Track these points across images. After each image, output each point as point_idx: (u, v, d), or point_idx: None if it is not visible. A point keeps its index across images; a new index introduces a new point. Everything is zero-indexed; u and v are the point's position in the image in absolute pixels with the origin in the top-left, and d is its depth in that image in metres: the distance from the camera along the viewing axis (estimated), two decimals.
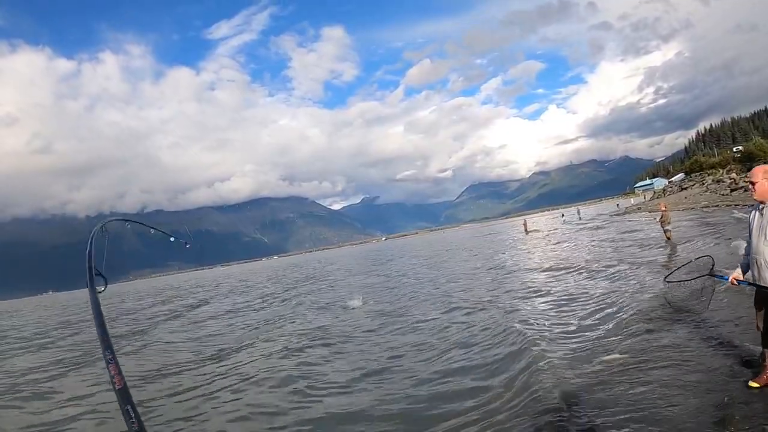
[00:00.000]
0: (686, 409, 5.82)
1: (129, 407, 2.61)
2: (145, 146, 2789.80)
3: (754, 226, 5.71)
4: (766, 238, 5.48)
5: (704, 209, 44.48)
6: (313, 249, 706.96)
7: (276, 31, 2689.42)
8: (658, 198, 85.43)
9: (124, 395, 2.67)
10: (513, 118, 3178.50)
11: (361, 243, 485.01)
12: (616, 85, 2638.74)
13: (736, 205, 40.24)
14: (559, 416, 6.36)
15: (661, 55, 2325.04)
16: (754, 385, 5.84)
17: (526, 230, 66.14)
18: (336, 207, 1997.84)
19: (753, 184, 5.72)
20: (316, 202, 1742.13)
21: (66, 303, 75.25)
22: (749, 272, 5.84)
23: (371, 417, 7.86)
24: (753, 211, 5.83)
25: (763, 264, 5.51)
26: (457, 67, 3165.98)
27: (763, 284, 5.54)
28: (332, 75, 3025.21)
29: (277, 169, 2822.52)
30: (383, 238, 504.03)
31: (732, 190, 52.68)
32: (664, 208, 25.30)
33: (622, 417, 5.96)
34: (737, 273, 6.01)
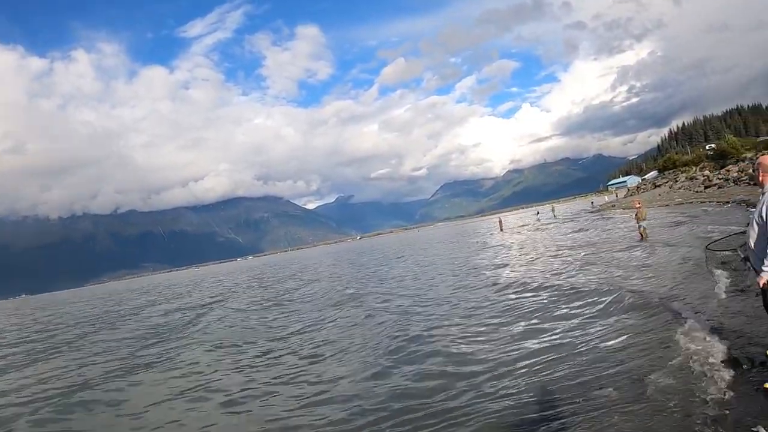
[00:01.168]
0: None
1: None
2: (119, 146, 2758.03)
3: None
4: (758, 223, 5.77)
5: (678, 206, 44.15)
6: (288, 249, 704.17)
7: (250, 29, 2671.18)
8: (632, 195, 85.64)
9: None
10: (487, 116, 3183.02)
11: (336, 242, 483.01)
12: (589, 83, 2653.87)
13: (710, 201, 40.23)
14: None
15: (634, 54, 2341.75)
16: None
17: (501, 228, 66.02)
18: (311, 206, 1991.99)
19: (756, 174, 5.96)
20: (291, 201, 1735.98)
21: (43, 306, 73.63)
22: None
23: None
24: None
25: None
26: (432, 66, 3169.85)
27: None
28: (307, 74, 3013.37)
29: (251, 169, 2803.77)
30: (358, 237, 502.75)
31: (706, 187, 52.64)
32: (638, 205, 25.00)
33: None
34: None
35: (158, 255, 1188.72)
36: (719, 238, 7.65)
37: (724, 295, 9.99)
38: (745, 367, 6.38)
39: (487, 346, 10.41)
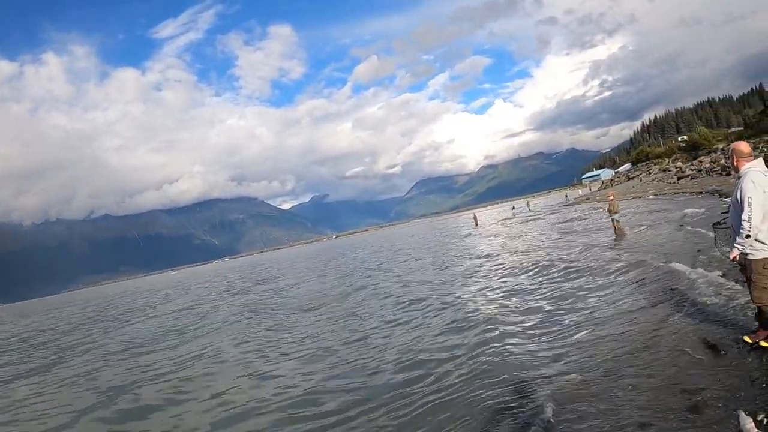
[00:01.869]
0: None
1: None
2: (92, 149, 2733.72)
3: None
4: (733, 205, 6.40)
5: (652, 198, 44.31)
6: (265, 249, 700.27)
7: (222, 29, 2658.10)
8: (605, 188, 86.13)
9: None
10: (460, 113, 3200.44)
11: (311, 242, 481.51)
12: (561, 78, 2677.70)
13: (683, 192, 40.30)
14: None
15: (605, 49, 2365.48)
16: (747, 340, 6.56)
17: (476, 223, 66.28)
18: (286, 206, 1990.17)
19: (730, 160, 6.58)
20: (266, 202, 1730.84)
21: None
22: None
23: None
24: None
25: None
26: (405, 64, 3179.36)
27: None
28: (280, 73, 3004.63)
29: (225, 170, 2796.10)
30: (334, 236, 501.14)
31: (679, 178, 53.01)
32: (611, 198, 24.68)
33: None
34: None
35: (134, 259, 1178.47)
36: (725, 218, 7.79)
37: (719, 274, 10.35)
38: (723, 352, 6.59)
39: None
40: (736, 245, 6.22)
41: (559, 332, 9.87)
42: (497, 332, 10.62)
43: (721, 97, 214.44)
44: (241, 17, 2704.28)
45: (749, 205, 5.90)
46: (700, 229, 17.48)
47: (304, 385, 9.82)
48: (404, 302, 17.04)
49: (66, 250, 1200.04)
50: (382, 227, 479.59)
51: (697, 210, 24.11)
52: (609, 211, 24.05)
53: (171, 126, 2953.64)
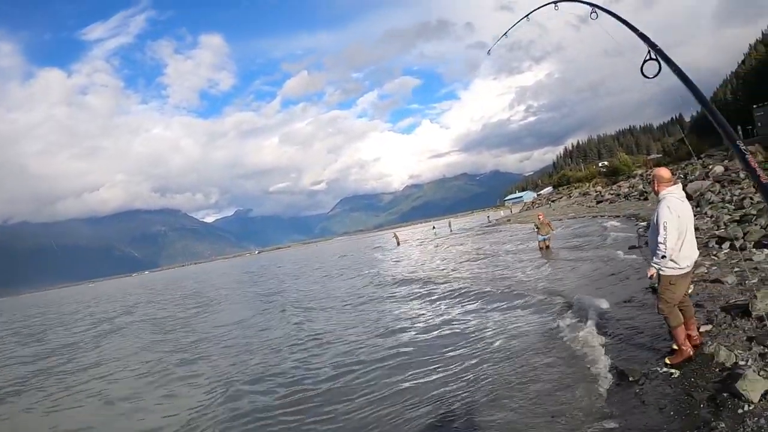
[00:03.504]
0: None
1: None
2: (11, 152, 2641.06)
3: None
4: (652, 226, 6.74)
5: (571, 219, 44.50)
6: (186, 263, 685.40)
7: (153, 35, 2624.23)
8: (527, 210, 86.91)
9: None
10: (388, 131, 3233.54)
11: (234, 256, 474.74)
12: (488, 102, 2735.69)
13: (601, 215, 40.80)
14: None
15: (532, 75, 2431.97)
16: (668, 361, 6.68)
17: (397, 242, 65.76)
18: (209, 220, 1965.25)
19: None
20: (189, 214, 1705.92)
21: None
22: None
23: None
24: None
25: None
26: (335, 80, 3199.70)
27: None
28: (208, 84, 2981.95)
29: (149, 180, 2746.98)
30: (257, 252, 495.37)
31: (598, 202, 53.72)
32: (541, 218, 24.35)
33: None
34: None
35: (52, 269, 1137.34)
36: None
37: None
38: (631, 379, 6.63)
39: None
40: (653, 264, 6.51)
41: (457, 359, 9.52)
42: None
43: (642, 125, 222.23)
44: (172, 24, 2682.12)
45: (665, 229, 6.22)
46: (619, 252, 17.52)
47: None
48: None
49: None
50: (305, 243, 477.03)
51: (615, 233, 23.76)
52: (537, 230, 23.82)
53: (95, 132, 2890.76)
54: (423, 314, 14.71)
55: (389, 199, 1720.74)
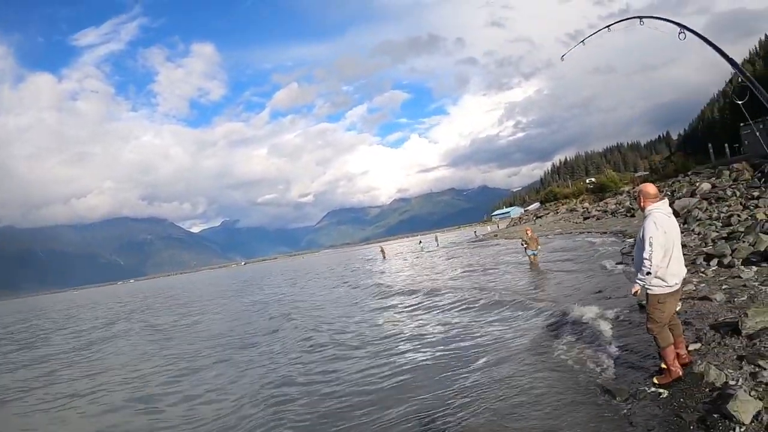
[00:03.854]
0: None
1: None
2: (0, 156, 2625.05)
3: None
4: (637, 242, 6.56)
5: (557, 236, 44.51)
6: (172, 273, 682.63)
7: (145, 42, 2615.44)
8: (514, 226, 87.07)
9: None
10: (376, 145, 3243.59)
11: (220, 267, 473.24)
12: (477, 117, 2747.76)
13: (588, 232, 40.85)
14: None
15: (522, 92, 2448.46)
16: (656, 381, 6.49)
17: (383, 256, 65.54)
18: (195, 229, 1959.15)
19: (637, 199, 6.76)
20: (176, 224, 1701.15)
21: None
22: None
23: None
24: None
25: None
26: (324, 93, 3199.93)
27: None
28: (199, 93, 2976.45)
29: (137, 188, 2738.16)
30: (243, 263, 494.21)
31: (585, 219, 53.63)
32: (529, 233, 24.16)
33: None
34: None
35: (37, 275, 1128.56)
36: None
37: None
38: (618, 399, 6.48)
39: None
40: (637, 280, 6.35)
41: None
42: None
43: (630, 142, 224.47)
44: (164, 32, 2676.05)
45: (650, 245, 6.07)
46: (607, 267, 17.78)
47: None
48: None
49: None
50: (292, 256, 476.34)
51: (602, 249, 23.66)
52: (526, 245, 23.63)
53: (84, 138, 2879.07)
54: (404, 324, 14.94)
55: (376, 212, 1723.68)
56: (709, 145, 63.29)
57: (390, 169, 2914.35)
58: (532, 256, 23.38)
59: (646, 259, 6.06)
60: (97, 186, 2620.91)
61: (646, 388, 6.42)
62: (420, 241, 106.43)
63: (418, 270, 36.35)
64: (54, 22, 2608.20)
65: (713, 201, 25.85)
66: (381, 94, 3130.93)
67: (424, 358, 10.79)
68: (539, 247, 24.25)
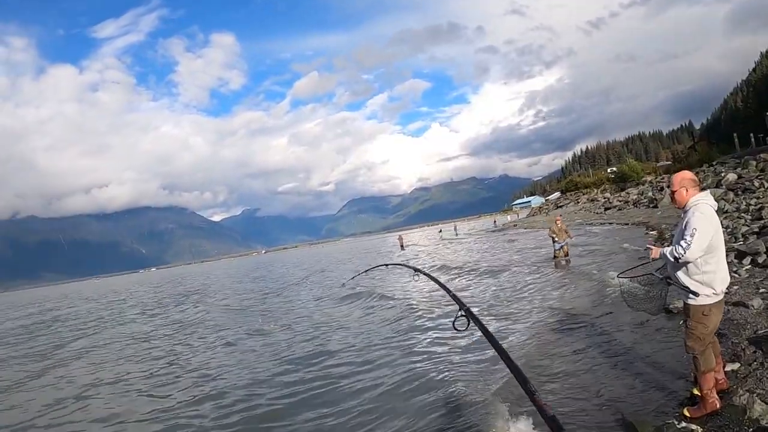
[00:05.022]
0: None
1: None
2: (21, 147, 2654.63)
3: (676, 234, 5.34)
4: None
5: (578, 227, 43.69)
6: (193, 261, 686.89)
7: (164, 33, 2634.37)
8: (534, 215, 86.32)
9: None
10: (397, 134, 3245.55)
11: (240, 256, 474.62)
12: (498, 106, 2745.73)
13: (609, 223, 39.91)
14: None
15: (542, 80, 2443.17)
16: (687, 414, 5.33)
17: (401, 246, 64.91)
18: (216, 218, 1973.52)
19: (673, 193, 5.33)
20: (196, 213, 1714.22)
21: None
22: None
23: None
24: None
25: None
26: (345, 82, 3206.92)
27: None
28: (219, 83, 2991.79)
29: (157, 178, 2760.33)
30: (263, 251, 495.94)
31: (606, 209, 52.77)
32: (558, 223, 21.98)
33: None
34: None
35: (59, 264, 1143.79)
36: (630, 267, 6.91)
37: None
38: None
39: None
40: (664, 251, 5.14)
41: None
42: None
43: (652, 132, 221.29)
44: (184, 22, 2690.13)
45: (692, 235, 4.80)
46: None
47: None
48: None
49: None
50: (312, 244, 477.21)
51: (626, 244, 22.47)
52: (552, 234, 21.56)
53: (104, 129, 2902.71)
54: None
55: (397, 201, 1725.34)
56: (735, 134, 62.02)
57: (411, 158, 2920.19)
58: (560, 249, 21.29)
59: (683, 246, 4.83)
60: (117, 176, 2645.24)
61: (675, 422, 5.22)
62: (440, 230, 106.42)
63: (435, 259, 35.38)
64: (73, 15, 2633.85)
65: (740, 192, 24.92)
66: (401, 82, 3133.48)
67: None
68: (570, 238, 21.91)
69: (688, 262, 4.95)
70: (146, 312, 28.44)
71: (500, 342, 3.86)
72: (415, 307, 15.57)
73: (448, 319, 12.12)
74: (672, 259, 5.02)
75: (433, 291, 17.53)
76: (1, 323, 36.36)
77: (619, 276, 6.52)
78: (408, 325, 13.43)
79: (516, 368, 3.24)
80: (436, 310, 14.59)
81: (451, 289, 5.54)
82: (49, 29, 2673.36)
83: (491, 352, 8.91)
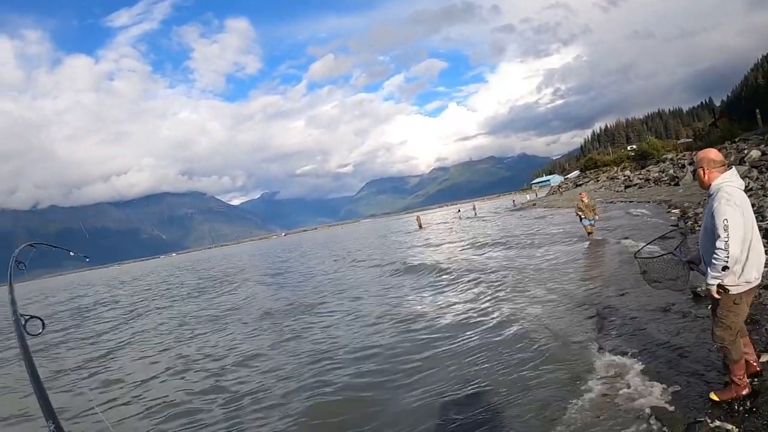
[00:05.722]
0: None
1: None
2: (40, 138, 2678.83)
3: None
4: (705, 230, 4.91)
5: (599, 205, 43.46)
6: (213, 246, 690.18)
7: (179, 20, 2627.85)
8: (553, 194, 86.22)
9: None
10: (414, 114, 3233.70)
11: (260, 239, 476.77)
12: (515, 85, 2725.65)
13: (629, 201, 39.91)
14: None
15: (560, 58, 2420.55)
16: (714, 398, 5.15)
17: (420, 225, 65.20)
18: (235, 202, 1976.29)
19: (694, 172, 5.12)
20: (215, 197, 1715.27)
21: None
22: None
23: None
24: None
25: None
26: (361, 63, 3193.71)
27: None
28: (235, 68, 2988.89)
29: (176, 164, 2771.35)
30: (283, 234, 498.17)
31: (626, 187, 52.65)
32: (585, 199, 21.21)
33: None
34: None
35: (81, 252, 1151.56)
36: (645, 244, 7.26)
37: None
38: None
39: None
40: (710, 280, 4.67)
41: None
42: None
43: (671, 109, 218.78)
44: (198, 9, 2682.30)
45: (725, 229, 4.44)
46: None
47: None
48: None
49: (9, 242, 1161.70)
50: (331, 226, 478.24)
51: (648, 220, 22.22)
52: (579, 211, 21.09)
53: (122, 117, 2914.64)
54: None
55: (416, 181, 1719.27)
56: (757, 110, 61.10)
57: (429, 138, 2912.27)
58: (588, 226, 20.80)
59: (721, 249, 4.46)
60: (136, 163, 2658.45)
61: (708, 420, 4.83)
62: (459, 210, 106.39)
63: (453, 241, 35.02)
64: (87, 5, 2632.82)
65: (764, 169, 24.62)
66: (418, 63, 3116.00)
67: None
68: (597, 216, 21.19)
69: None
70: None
71: None
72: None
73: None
74: (723, 272, 4.57)
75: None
76: (51, 306, 37.92)
77: (637, 257, 6.41)
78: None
79: None
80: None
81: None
82: (63, 21, 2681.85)
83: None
